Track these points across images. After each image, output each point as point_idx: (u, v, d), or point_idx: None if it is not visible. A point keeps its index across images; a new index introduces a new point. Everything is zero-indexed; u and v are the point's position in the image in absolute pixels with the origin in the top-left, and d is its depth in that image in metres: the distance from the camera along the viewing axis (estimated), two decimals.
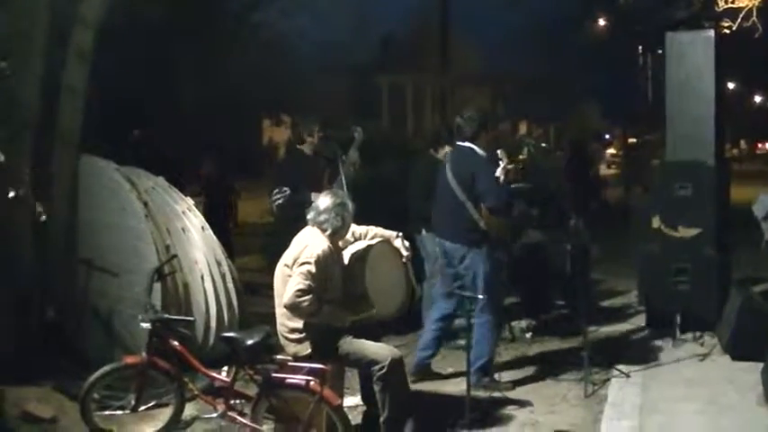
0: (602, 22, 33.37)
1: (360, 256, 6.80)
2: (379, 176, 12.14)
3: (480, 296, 7.36)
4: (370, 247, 6.89)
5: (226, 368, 6.86)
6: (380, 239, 7.07)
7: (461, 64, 26.57)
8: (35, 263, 8.39)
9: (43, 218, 8.01)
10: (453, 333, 9.86)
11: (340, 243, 6.88)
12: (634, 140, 33.70)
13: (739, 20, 13.71)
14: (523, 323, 10.19)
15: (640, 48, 33.32)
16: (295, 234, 6.89)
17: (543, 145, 9.96)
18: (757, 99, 57.60)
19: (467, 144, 8.25)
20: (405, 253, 7.10)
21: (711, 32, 10.08)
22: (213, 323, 8.52)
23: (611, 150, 40.29)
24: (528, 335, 10.04)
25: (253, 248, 14.63)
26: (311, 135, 9.45)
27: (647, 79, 34.83)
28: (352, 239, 7.04)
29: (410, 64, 25.46)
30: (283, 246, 6.92)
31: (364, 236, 7.10)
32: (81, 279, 8.61)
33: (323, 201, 6.76)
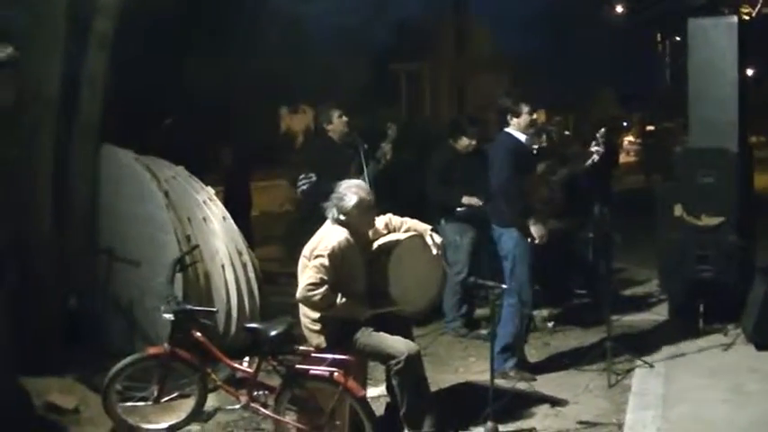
0: (619, 8, 33.21)
1: (385, 250, 6.74)
2: (397, 164, 12.07)
3: (504, 285, 7.28)
4: (398, 241, 6.82)
5: (247, 358, 6.83)
6: (413, 233, 6.99)
7: (478, 50, 26.45)
8: (55, 251, 8.37)
9: None
10: (475, 322, 9.86)
11: (370, 234, 6.83)
12: (652, 128, 33.50)
13: (759, 6, 13.61)
14: (545, 312, 10.12)
15: (659, 35, 33.14)
16: (319, 221, 6.86)
17: (566, 132, 9.87)
18: None
19: (506, 130, 8.31)
20: (435, 250, 7.00)
21: (734, 18, 9.99)
22: (234, 313, 8.50)
23: (630, 138, 40.11)
24: (550, 324, 9.99)
25: (272, 238, 14.62)
26: (330, 122, 9.39)
27: (666, 66, 34.68)
28: (386, 231, 6.97)
29: (427, 50, 25.38)
30: (307, 233, 6.88)
31: (398, 228, 7.02)
32: (102, 268, 8.60)
33: (335, 189, 6.74)
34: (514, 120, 8.21)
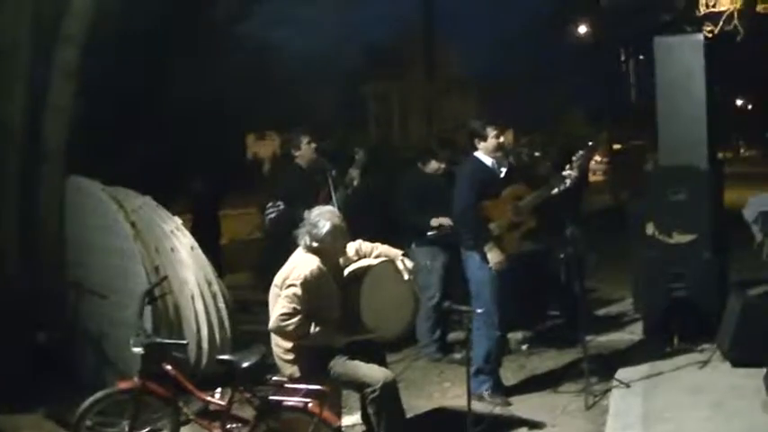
0: (583, 28, 33.37)
1: (357, 276, 6.66)
2: (366, 189, 11.99)
3: (479, 310, 7.21)
4: (369, 267, 6.74)
5: (220, 390, 6.70)
6: (384, 259, 6.91)
7: (446, 71, 26.52)
8: (23, 284, 8.24)
9: None
10: (449, 346, 9.76)
11: (341, 261, 6.74)
12: (619, 146, 33.63)
13: (721, 24, 13.67)
14: (519, 335, 10.04)
15: (623, 53, 33.35)
16: (288, 250, 6.77)
17: (537, 154, 9.85)
18: (738, 102, 57.64)
19: (473, 153, 8.31)
20: (406, 275, 6.92)
21: (700, 36, 10.02)
22: (205, 344, 8.40)
23: (596, 157, 40.18)
24: (524, 346, 9.91)
25: (242, 265, 14.50)
26: (298, 147, 9.32)
27: (631, 85, 34.86)
28: (356, 258, 6.88)
29: (395, 72, 25.43)
30: (276, 262, 6.80)
31: (369, 254, 6.94)
32: (71, 301, 8.47)
33: (306, 216, 6.65)
34: (481, 143, 8.19)
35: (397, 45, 24.94)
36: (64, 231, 8.64)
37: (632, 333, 10.27)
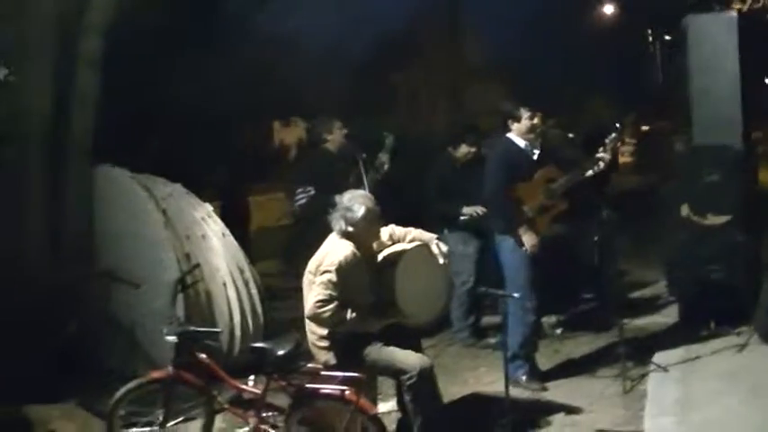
0: (609, 9, 33.03)
1: (391, 261, 6.58)
2: (396, 174, 11.90)
3: (515, 294, 7.10)
4: (404, 251, 6.66)
5: (252, 377, 6.65)
6: (418, 243, 6.82)
7: (471, 57, 26.32)
8: (52, 275, 8.20)
9: None
10: (483, 331, 9.68)
11: (375, 245, 6.65)
12: (647, 128, 33.32)
13: (749, 1, 13.47)
14: (553, 318, 9.92)
15: (650, 34, 33.02)
16: (319, 235, 6.71)
17: (570, 135, 9.73)
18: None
19: (505, 135, 8.21)
20: (441, 259, 6.83)
21: (734, 13, 9.86)
22: (237, 332, 8.34)
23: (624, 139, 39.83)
24: (558, 331, 9.79)
25: (270, 252, 14.41)
26: (330, 132, 9.25)
27: (657, 66, 34.56)
28: (390, 242, 6.80)
29: (421, 58, 25.26)
30: (306, 248, 6.73)
31: (402, 238, 6.85)
32: (101, 290, 8.42)
33: (338, 201, 6.58)
34: (515, 125, 8.08)
35: (422, 31, 24.75)
36: (93, 220, 8.57)
37: (667, 316, 10.12)
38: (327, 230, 6.69)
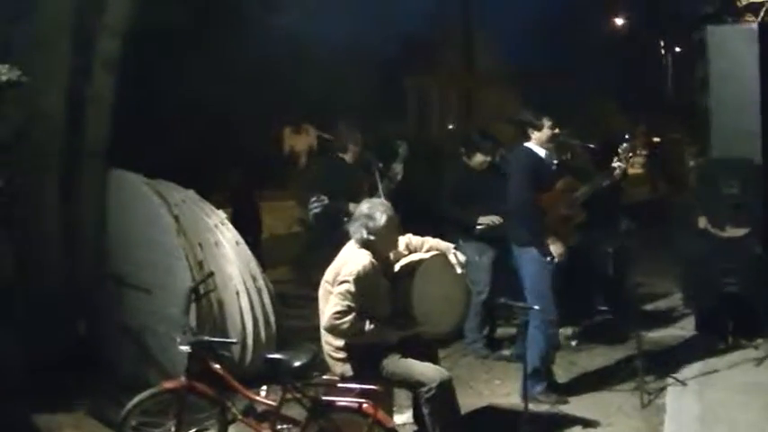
0: (620, 20, 33.00)
1: (408, 271, 6.48)
2: (409, 183, 11.80)
3: (536, 307, 6.98)
4: (421, 261, 6.55)
5: (265, 387, 6.53)
6: (435, 252, 6.71)
7: (484, 63, 26.31)
8: (64, 277, 8.12)
9: None
10: (497, 343, 9.57)
11: (392, 255, 6.54)
12: (658, 139, 33.22)
13: (762, 14, 13.37)
14: (568, 330, 9.80)
15: (662, 46, 32.96)
16: (332, 245, 6.61)
17: (591, 146, 9.61)
18: None
19: (525, 144, 8.05)
20: (459, 269, 6.72)
21: (754, 24, 9.75)
22: (250, 341, 8.23)
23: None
24: (573, 342, 9.66)
25: (281, 260, 14.31)
26: (356, 143, 9.23)
27: (667, 78, 34.44)
28: (407, 252, 6.69)
29: (434, 64, 25.23)
30: (320, 257, 6.64)
31: (419, 248, 6.75)
32: (112, 295, 8.33)
33: (357, 209, 6.47)
34: (535, 133, 7.95)
35: (435, 36, 24.72)
36: (106, 225, 8.49)
37: (683, 329, 10.02)
38: (341, 239, 6.61)
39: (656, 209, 16.97)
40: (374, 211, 6.33)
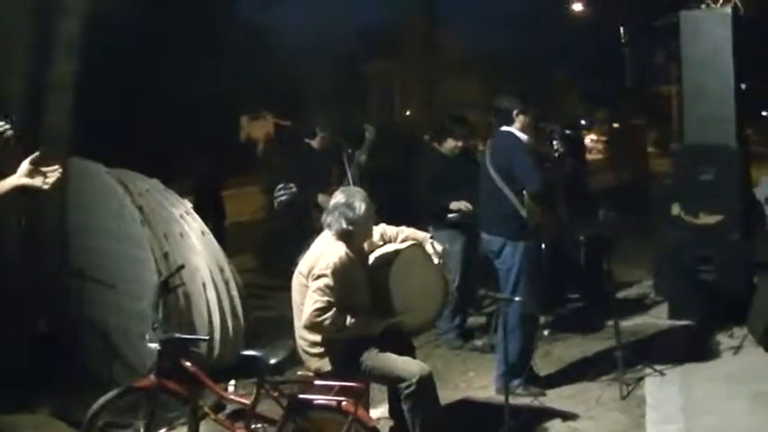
0: (579, 6, 32.95)
1: (385, 262, 6.27)
2: (377, 169, 11.59)
3: (517, 298, 6.78)
4: (398, 251, 6.34)
5: (233, 382, 6.29)
6: (412, 243, 6.49)
7: (446, 50, 26.23)
8: (24, 271, 7.84)
9: None
10: (470, 333, 9.39)
11: (366, 246, 6.31)
12: (617, 125, 33.27)
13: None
14: (541, 320, 9.62)
15: (622, 33, 32.94)
16: (299, 234, 6.40)
17: (568, 132, 9.41)
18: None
19: (505, 128, 7.73)
20: (436, 259, 6.51)
21: (728, 9, 9.61)
22: (217, 335, 7.97)
23: (592, 136, 39.80)
24: (546, 332, 9.48)
25: (244, 247, 14.06)
26: (324, 129, 9.03)
27: (629, 65, 34.47)
28: (381, 242, 6.46)
29: (396, 51, 25.12)
30: (285, 245, 6.43)
31: (394, 238, 6.52)
32: (75, 288, 8.04)
33: (332, 199, 6.24)
34: (520, 117, 7.65)
35: (398, 23, 24.61)
36: (66, 216, 8.19)
37: (657, 317, 9.88)
38: (307, 228, 6.38)
39: (624, 196, 16.88)
40: (353, 200, 6.09)
